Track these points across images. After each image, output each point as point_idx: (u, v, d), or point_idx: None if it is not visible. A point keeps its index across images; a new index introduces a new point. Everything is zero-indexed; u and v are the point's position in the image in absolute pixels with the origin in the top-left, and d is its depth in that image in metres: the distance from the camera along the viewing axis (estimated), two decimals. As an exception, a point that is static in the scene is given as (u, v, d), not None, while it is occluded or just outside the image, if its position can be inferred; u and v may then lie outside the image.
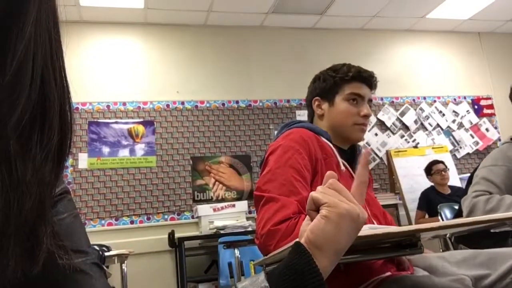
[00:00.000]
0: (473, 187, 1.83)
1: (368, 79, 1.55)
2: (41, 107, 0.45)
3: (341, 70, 1.55)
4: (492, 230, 1.51)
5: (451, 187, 4.44)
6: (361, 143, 1.60)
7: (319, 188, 0.65)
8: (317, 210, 0.63)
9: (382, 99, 5.33)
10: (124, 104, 4.61)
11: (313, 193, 0.64)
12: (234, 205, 4.36)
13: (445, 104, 5.59)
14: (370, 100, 1.56)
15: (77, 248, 0.54)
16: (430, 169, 4.45)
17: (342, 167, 1.44)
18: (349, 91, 1.52)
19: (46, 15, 0.45)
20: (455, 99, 5.64)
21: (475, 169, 3.19)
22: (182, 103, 4.76)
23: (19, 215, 0.42)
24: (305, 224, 0.65)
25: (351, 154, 1.56)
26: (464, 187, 3.71)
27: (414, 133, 5.40)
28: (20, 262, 0.42)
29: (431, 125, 5.48)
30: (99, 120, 4.49)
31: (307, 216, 0.65)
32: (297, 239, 0.63)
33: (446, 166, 4.47)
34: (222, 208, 4.30)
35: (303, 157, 1.36)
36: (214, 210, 4.28)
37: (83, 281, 0.53)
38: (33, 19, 0.43)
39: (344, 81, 1.53)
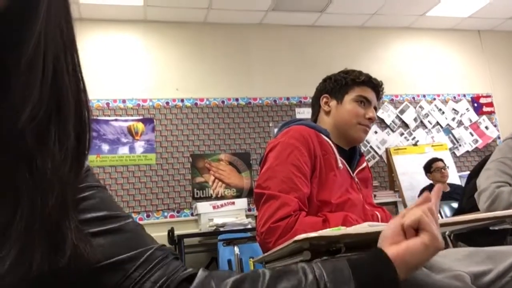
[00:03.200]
0: (490, 178, 1.83)
1: (377, 87, 1.60)
2: (55, 104, 0.45)
3: (353, 73, 1.60)
4: (491, 228, 1.51)
5: (450, 184, 4.45)
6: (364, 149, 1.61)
7: (426, 210, 0.69)
8: (415, 229, 0.67)
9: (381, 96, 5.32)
10: (124, 101, 4.60)
11: (423, 216, 0.67)
12: (233, 203, 4.36)
13: (445, 102, 5.59)
14: (375, 108, 1.60)
15: (117, 215, 0.59)
16: (430, 167, 4.45)
17: (340, 165, 1.46)
18: (358, 93, 1.56)
19: (57, 12, 0.45)
20: (454, 97, 5.64)
21: (475, 167, 3.20)
22: (182, 100, 4.76)
23: (43, 211, 0.43)
24: (390, 230, 0.68)
25: (350, 155, 1.58)
26: (463, 185, 3.71)
27: (414, 131, 5.40)
28: (47, 256, 0.44)
29: (430, 123, 5.48)
30: (98, 118, 4.48)
31: (392, 223, 0.69)
32: (378, 246, 0.67)
33: (445, 164, 4.47)
34: (222, 205, 4.30)
35: (302, 153, 1.37)
36: (214, 207, 4.28)
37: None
38: (43, 16, 0.43)
39: (355, 83, 1.57)
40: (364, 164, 1.62)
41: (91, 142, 0.52)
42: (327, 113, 1.59)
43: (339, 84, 1.58)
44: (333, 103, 1.59)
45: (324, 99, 1.61)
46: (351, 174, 1.51)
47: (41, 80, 0.43)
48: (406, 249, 0.64)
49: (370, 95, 1.57)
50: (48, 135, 0.45)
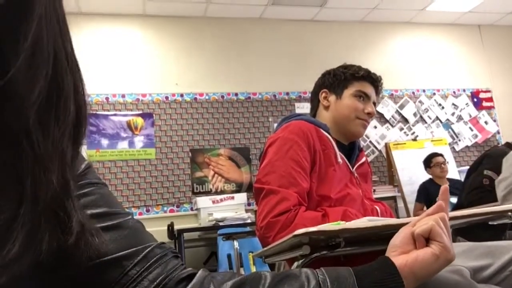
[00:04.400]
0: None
1: (376, 82, 1.59)
2: (56, 85, 0.46)
3: (352, 68, 1.60)
4: (490, 223, 1.52)
5: (449, 179, 4.45)
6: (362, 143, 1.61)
7: (438, 219, 0.67)
8: (426, 238, 0.66)
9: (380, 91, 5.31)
10: (123, 96, 4.60)
11: (435, 226, 0.65)
12: (233, 197, 4.36)
13: (445, 97, 5.59)
14: (374, 103, 1.59)
15: (117, 212, 0.59)
16: (430, 162, 4.45)
17: (340, 160, 1.46)
18: (358, 88, 1.55)
19: None
20: (454, 92, 5.64)
21: (474, 162, 3.20)
22: (181, 95, 4.75)
23: (47, 191, 0.43)
24: (399, 239, 0.67)
25: (349, 150, 1.58)
26: (463, 179, 3.71)
27: (413, 125, 5.40)
28: (54, 235, 0.44)
29: (430, 118, 5.48)
30: (98, 112, 4.48)
31: (402, 232, 0.68)
32: (387, 255, 0.65)
33: (445, 159, 4.47)
34: (221, 200, 4.31)
35: (302, 148, 1.37)
36: (213, 202, 4.29)
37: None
38: (41, 1, 0.44)
39: (354, 78, 1.57)
40: (364, 159, 1.62)
41: (88, 122, 0.53)
42: (326, 108, 1.59)
43: (338, 79, 1.58)
44: (332, 98, 1.58)
45: (323, 94, 1.61)
46: (351, 169, 1.51)
47: (47, 61, 0.44)
48: (415, 259, 0.62)
49: (369, 90, 1.56)
50: (49, 115, 0.45)
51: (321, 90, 1.62)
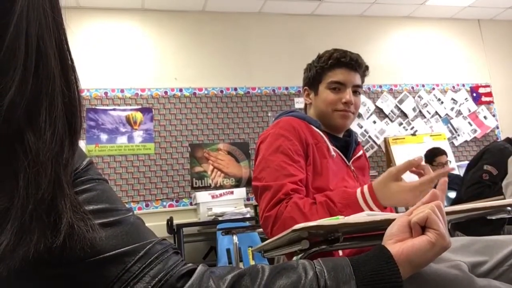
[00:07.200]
0: None
1: (350, 64, 1.51)
2: (43, 84, 0.45)
3: (322, 58, 1.55)
4: (488, 217, 1.53)
5: (448, 174, 4.42)
6: (360, 137, 1.61)
7: (434, 207, 0.67)
8: (422, 226, 0.66)
9: (380, 86, 5.31)
10: (122, 90, 4.59)
11: (431, 214, 0.65)
12: (232, 192, 4.37)
13: (444, 91, 5.58)
14: (358, 86, 1.53)
15: (118, 208, 0.59)
16: (433, 160, 4.37)
17: (333, 153, 1.46)
18: (330, 79, 1.52)
19: None
20: (453, 87, 5.63)
21: (474, 158, 3.21)
22: (180, 90, 4.75)
23: (37, 193, 0.44)
24: (396, 227, 0.67)
25: (346, 144, 1.57)
26: (462, 174, 3.72)
27: (413, 120, 5.40)
28: (43, 236, 0.45)
29: (429, 113, 5.47)
30: (97, 107, 4.47)
31: (399, 221, 0.68)
32: (383, 244, 0.65)
33: (448, 158, 4.38)
34: (221, 195, 4.31)
35: (293, 143, 1.39)
36: (213, 197, 4.29)
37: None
38: None
39: (325, 70, 1.53)
40: (361, 152, 1.62)
41: (83, 119, 0.52)
42: (310, 105, 1.60)
43: (312, 74, 1.57)
44: (312, 95, 1.59)
45: (306, 92, 1.62)
46: (347, 162, 1.52)
47: (25, 59, 0.43)
48: (411, 247, 0.63)
49: (343, 76, 1.50)
50: (39, 115, 0.45)
51: (303, 88, 1.63)
